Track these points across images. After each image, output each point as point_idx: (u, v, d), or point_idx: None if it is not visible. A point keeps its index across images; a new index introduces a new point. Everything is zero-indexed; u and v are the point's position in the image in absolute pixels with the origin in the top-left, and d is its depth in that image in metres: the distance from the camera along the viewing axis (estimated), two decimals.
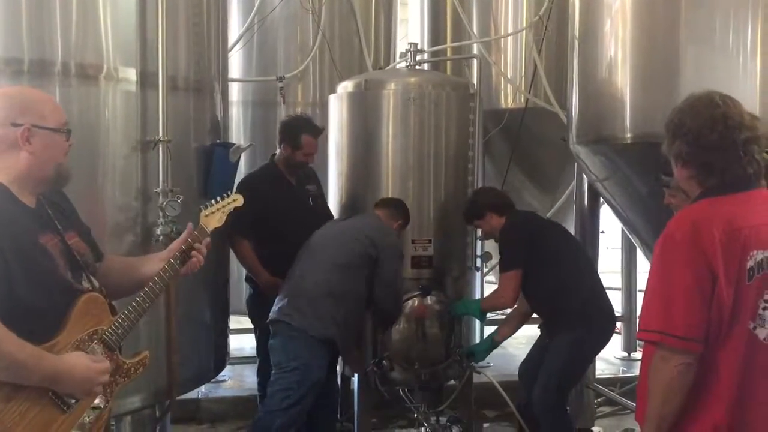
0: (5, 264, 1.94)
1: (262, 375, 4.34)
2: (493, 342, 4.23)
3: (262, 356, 4.35)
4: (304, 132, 4.26)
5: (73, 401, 2.05)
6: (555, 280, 3.90)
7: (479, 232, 4.40)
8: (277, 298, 3.80)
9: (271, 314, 3.78)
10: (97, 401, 2.11)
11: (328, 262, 3.77)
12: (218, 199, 2.51)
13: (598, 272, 4.32)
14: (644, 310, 2.05)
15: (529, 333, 4.73)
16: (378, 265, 3.79)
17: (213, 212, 2.47)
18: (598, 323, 3.90)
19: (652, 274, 2.05)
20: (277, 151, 4.41)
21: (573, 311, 3.84)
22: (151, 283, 2.24)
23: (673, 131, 2.10)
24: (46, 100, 2.17)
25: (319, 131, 4.35)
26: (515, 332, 4.37)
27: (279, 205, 4.16)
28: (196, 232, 2.41)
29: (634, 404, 4.36)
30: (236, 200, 2.55)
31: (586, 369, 4.42)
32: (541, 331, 4.21)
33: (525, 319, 4.28)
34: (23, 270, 1.97)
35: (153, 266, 2.30)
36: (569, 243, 4.24)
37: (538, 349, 4.10)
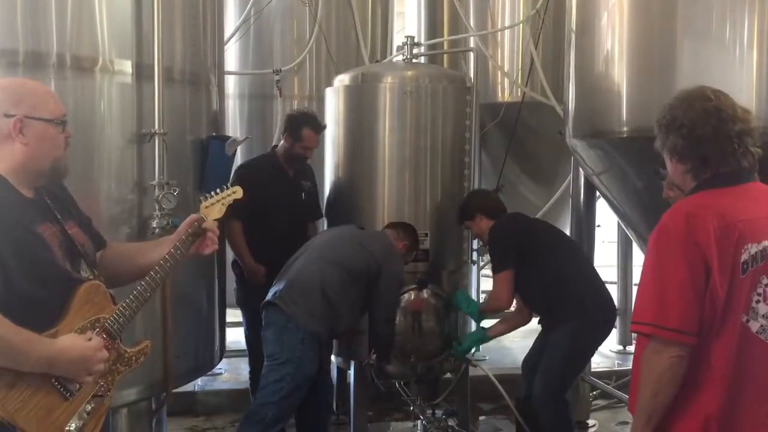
0: (1, 253, 1.94)
1: (253, 364, 4.38)
2: (484, 336, 4.23)
3: (251, 344, 4.39)
4: (306, 126, 4.36)
5: (76, 388, 2.05)
6: (549, 275, 3.91)
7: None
8: (275, 283, 3.81)
9: (267, 297, 3.79)
10: (98, 390, 2.12)
11: (330, 261, 3.77)
12: (218, 190, 2.51)
13: (594, 265, 4.33)
14: (638, 302, 2.06)
15: (525, 327, 4.74)
16: (377, 286, 3.79)
17: (213, 204, 2.47)
18: (597, 314, 3.90)
19: (645, 266, 2.06)
20: (279, 143, 4.48)
21: (570, 304, 3.84)
22: (152, 272, 2.23)
23: (667, 126, 2.10)
24: (42, 92, 2.15)
25: (321, 127, 4.42)
26: (509, 332, 4.40)
27: (272, 193, 4.23)
28: (195, 223, 2.41)
29: (628, 397, 4.40)
30: (236, 192, 2.54)
31: (587, 361, 4.44)
32: (541, 325, 4.22)
33: (523, 322, 4.29)
34: (20, 259, 1.97)
35: (162, 250, 2.28)
36: (560, 238, 4.26)
37: (541, 342, 4.11)
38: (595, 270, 4.15)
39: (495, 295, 4.03)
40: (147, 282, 2.22)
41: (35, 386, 1.98)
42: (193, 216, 2.34)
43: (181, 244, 2.29)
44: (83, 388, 2.07)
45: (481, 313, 4.19)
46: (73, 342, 2.03)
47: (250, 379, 4.51)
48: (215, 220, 2.45)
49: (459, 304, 4.23)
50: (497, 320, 4.38)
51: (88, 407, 2.09)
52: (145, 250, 2.38)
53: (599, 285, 4.01)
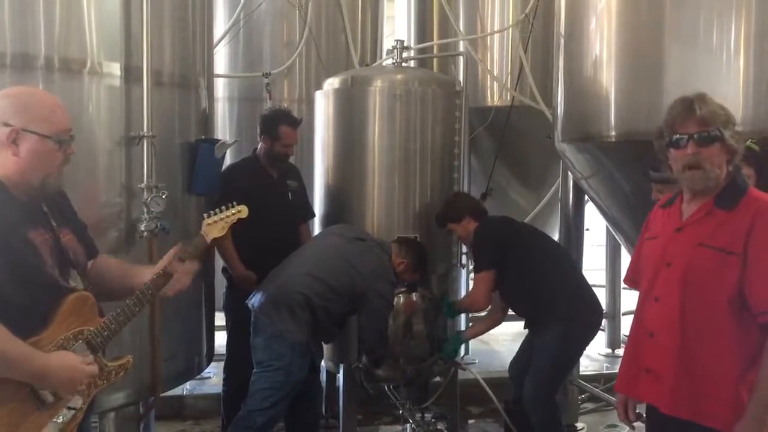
0: None
1: (229, 371, 4.32)
2: (461, 339, 4.26)
3: (230, 351, 4.34)
4: (282, 123, 4.27)
5: (50, 399, 2.04)
6: (535, 277, 3.92)
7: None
8: (260, 291, 3.79)
9: (251, 303, 3.77)
10: (73, 402, 2.10)
11: (316, 277, 3.72)
12: (223, 208, 2.50)
13: (582, 268, 4.35)
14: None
15: (514, 330, 4.77)
16: (364, 305, 3.76)
17: (215, 222, 2.45)
18: (584, 315, 3.92)
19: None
20: (259, 146, 4.42)
21: (557, 306, 3.85)
22: (143, 288, 2.23)
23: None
24: (48, 105, 2.09)
25: (297, 122, 4.34)
26: (487, 331, 4.43)
27: (257, 197, 4.10)
28: (195, 241, 2.40)
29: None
30: (240, 212, 2.53)
31: (576, 360, 4.46)
32: (528, 328, 4.23)
33: (497, 322, 4.34)
34: (8, 264, 1.96)
35: (145, 276, 2.28)
36: (545, 241, 4.26)
37: (527, 345, 4.12)
38: (580, 272, 4.17)
39: (473, 294, 4.05)
40: (137, 297, 2.21)
41: (7, 396, 1.96)
42: (175, 249, 2.33)
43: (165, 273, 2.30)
44: (57, 401, 2.06)
45: (457, 311, 4.23)
46: (67, 361, 2.01)
47: (224, 382, 4.39)
48: (215, 238, 2.45)
49: (446, 311, 4.25)
50: (472, 322, 4.40)
51: (61, 418, 2.07)
52: (130, 273, 2.35)
53: (585, 286, 4.03)
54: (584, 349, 4.14)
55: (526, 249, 4.00)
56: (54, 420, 2.05)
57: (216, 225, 2.45)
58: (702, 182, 2.29)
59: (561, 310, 3.84)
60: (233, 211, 2.50)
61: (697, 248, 2.29)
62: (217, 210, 2.48)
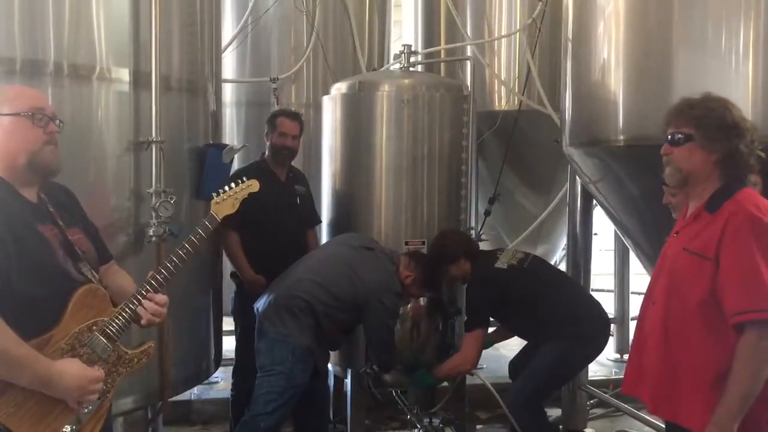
0: (4, 251, 1.93)
1: (238, 376, 4.33)
2: (431, 381, 4.13)
3: (239, 355, 4.33)
4: (280, 115, 4.41)
5: None
6: (537, 317, 3.90)
7: (472, 233, 4.42)
8: (266, 295, 3.79)
9: (257, 307, 3.78)
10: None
11: (319, 284, 3.71)
12: (232, 185, 2.48)
13: (591, 273, 4.33)
14: (746, 291, 2.14)
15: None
16: (367, 314, 3.74)
17: (225, 199, 2.44)
18: (592, 334, 3.92)
19: (748, 257, 2.14)
20: (266, 149, 4.44)
21: (560, 336, 3.84)
22: (156, 274, 2.24)
23: (723, 128, 2.25)
24: (14, 90, 2.22)
25: (294, 115, 4.43)
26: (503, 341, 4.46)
27: (265, 200, 4.12)
28: (206, 221, 2.39)
29: (626, 406, 4.39)
30: (251, 186, 2.51)
31: (572, 377, 4.45)
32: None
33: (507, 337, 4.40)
34: (20, 256, 1.97)
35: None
36: (542, 277, 4.07)
37: (531, 346, 4.13)
38: (586, 293, 4.16)
39: (463, 355, 3.98)
40: (148, 282, 2.21)
41: (29, 390, 1.97)
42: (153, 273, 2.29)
43: (183, 250, 2.29)
44: None
45: (440, 377, 4.10)
46: (73, 368, 2.02)
47: (232, 387, 4.41)
48: (227, 215, 2.44)
49: (419, 383, 4.14)
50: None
51: (86, 409, 2.08)
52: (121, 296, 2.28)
53: (588, 312, 3.96)
54: (583, 368, 4.13)
55: (523, 296, 3.93)
56: (79, 411, 2.06)
57: (226, 202, 2.44)
58: (671, 178, 2.35)
59: (564, 336, 3.82)
60: (243, 186, 2.48)
61: (681, 252, 2.31)
62: (226, 188, 2.46)
